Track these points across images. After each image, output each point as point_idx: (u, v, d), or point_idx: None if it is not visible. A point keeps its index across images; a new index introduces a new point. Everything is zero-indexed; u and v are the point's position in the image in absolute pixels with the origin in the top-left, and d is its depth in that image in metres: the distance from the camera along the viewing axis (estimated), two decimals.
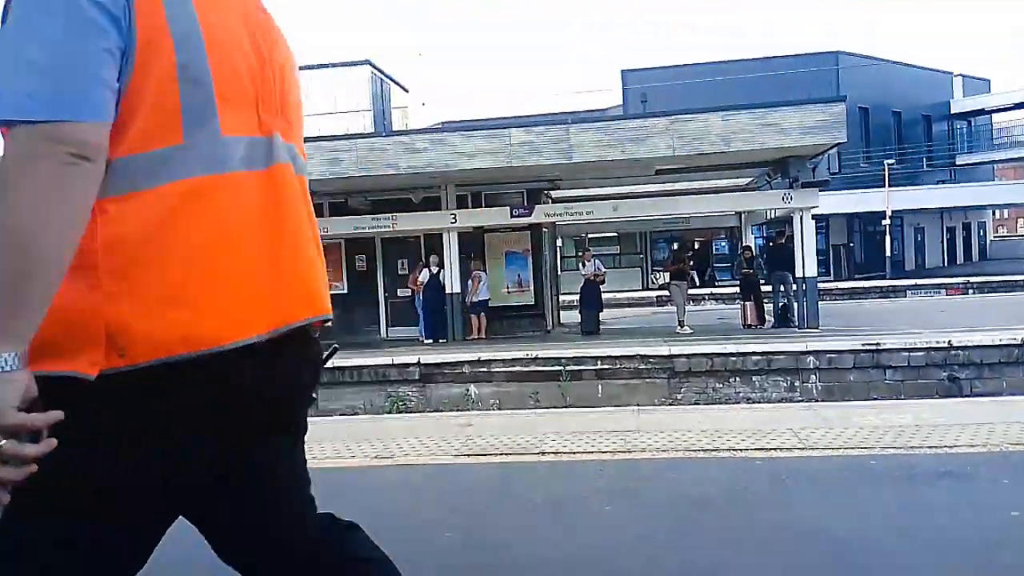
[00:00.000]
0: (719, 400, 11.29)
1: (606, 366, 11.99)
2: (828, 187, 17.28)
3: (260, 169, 1.27)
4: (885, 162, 29.73)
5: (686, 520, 4.13)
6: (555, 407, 10.55)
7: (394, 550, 3.84)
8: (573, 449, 5.80)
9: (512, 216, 14.90)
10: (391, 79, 24.60)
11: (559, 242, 23.09)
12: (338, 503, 4.70)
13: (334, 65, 23.24)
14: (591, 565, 3.54)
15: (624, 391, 11.69)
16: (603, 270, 16.03)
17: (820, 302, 14.44)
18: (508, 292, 16.27)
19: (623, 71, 32.55)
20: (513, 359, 12.32)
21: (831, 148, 13.83)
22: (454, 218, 14.86)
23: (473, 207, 15.83)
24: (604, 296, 16.38)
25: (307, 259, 1.40)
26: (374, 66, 23.43)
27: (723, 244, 31.38)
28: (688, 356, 11.76)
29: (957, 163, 38.09)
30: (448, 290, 14.92)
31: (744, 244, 17.53)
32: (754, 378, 11.65)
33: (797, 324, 14.04)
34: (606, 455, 5.60)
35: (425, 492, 4.95)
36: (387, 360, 12.64)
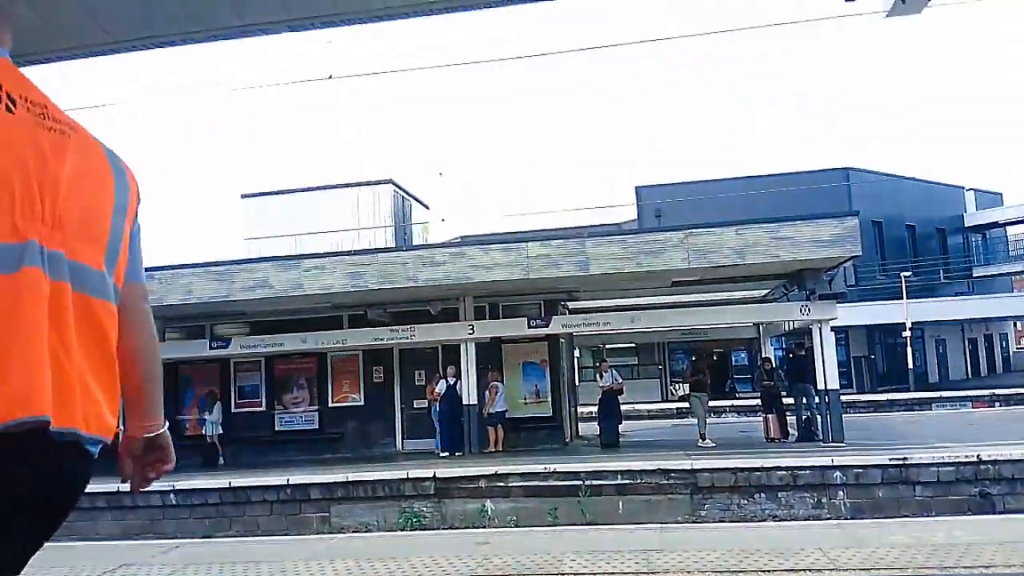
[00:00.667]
0: (744, 517, 10.90)
1: (627, 480, 11.67)
2: (846, 299, 17.30)
3: (4, 272, 1.29)
4: (902, 274, 29.81)
5: None
6: (574, 524, 10.23)
7: None
8: (594, 569, 5.58)
9: (529, 327, 14.95)
10: (412, 196, 25.34)
11: (576, 352, 23.02)
12: None
13: (358, 184, 24.06)
14: None
15: (645, 507, 11.33)
16: (620, 381, 15.90)
17: (844, 415, 14.14)
18: (525, 403, 16.10)
19: (638, 187, 33.35)
20: (531, 472, 12.04)
21: (846, 261, 13.91)
22: (472, 329, 14.92)
23: (491, 318, 15.91)
24: (623, 407, 16.17)
25: (38, 365, 1.31)
26: (396, 185, 24.21)
27: (742, 355, 31.15)
28: (712, 471, 11.46)
29: (974, 275, 38.09)
30: (465, 401, 14.80)
31: (764, 355, 17.38)
32: (780, 494, 11.28)
33: (821, 437, 13.72)
34: (629, 575, 5.39)
35: None
36: (402, 474, 12.40)
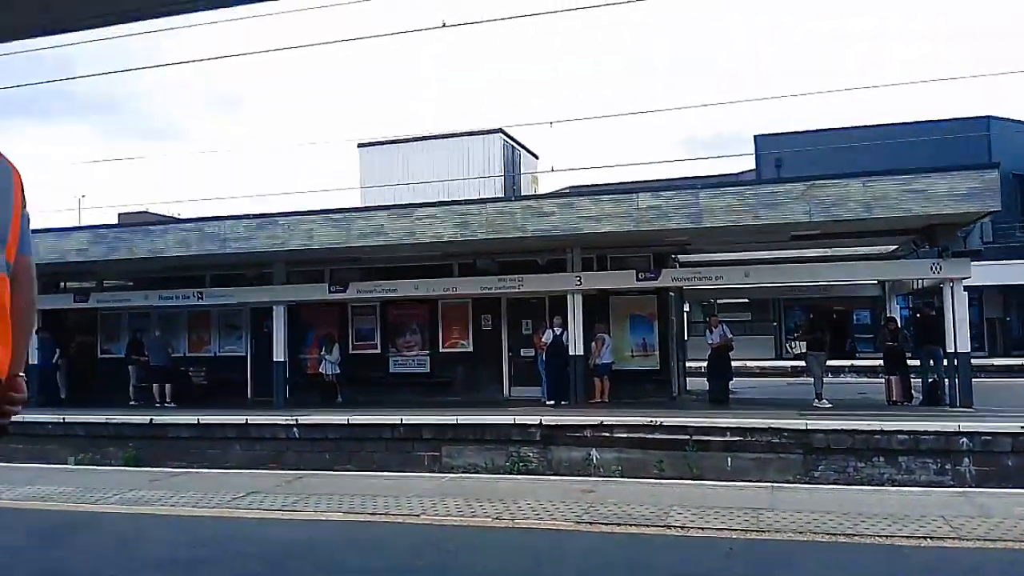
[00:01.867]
0: (860, 481, 10.53)
1: (736, 437, 11.47)
2: (981, 257, 16.12)
3: None
4: None
5: None
6: (681, 478, 10.19)
7: None
8: (701, 524, 5.56)
9: (638, 280, 14.75)
10: (522, 146, 25.30)
11: (686, 307, 22.62)
12: (456, 562, 4.75)
13: (469, 134, 24.22)
14: None
15: (754, 466, 11.13)
16: (731, 337, 15.52)
17: (973, 379, 13.32)
18: (632, 356, 16.01)
19: (756, 136, 31.96)
20: (637, 424, 12.03)
21: (984, 217, 12.87)
22: (579, 280, 14.88)
23: (599, 270, 15.81)
24: (733, 364, 15.82)
25: None
26: (506, 134, 24.21)
27: (864, 314, 29.72)
28: (827, 432, 11.08)
29: None
30: (571, 351, 14.87)
31: (888, 315, 16.51)
32: (900, 459, 10.80)
33: (948, 402, 12.99)
34: (736, 533, 5.34)
35: (544, 558, 4.87)
36: (509, 420, 12.65)
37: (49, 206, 79.44)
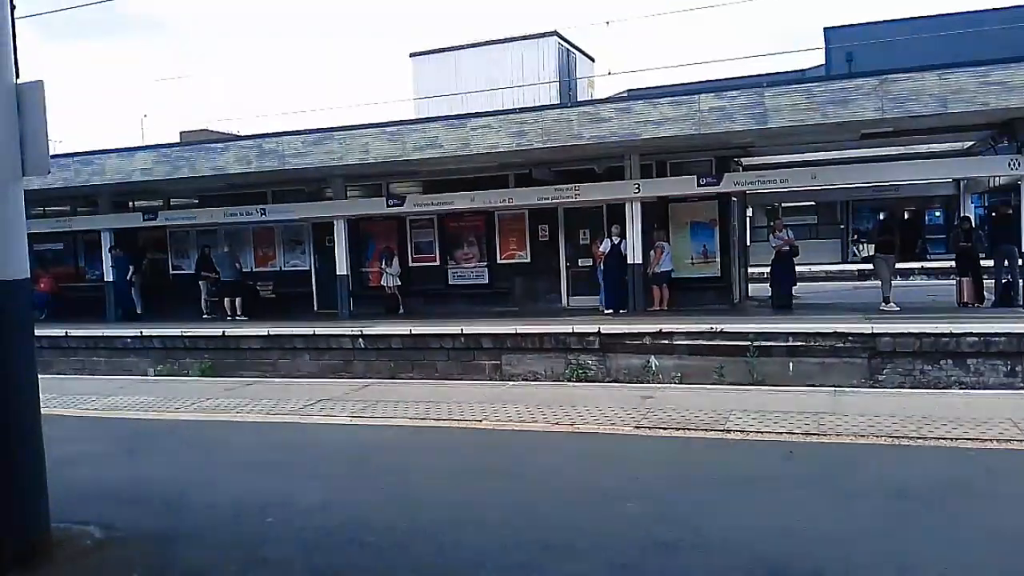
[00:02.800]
0: (927, 384, 10.34)
1: (799, 343, 11.33)
2: None
3: None
4: None
5: (886, 512, 3.85)
6: (742, 384, 10.18)
7: (577, 516, 3.90)
8: (761, 429, 5.57)
9: (699, 185, 14.38)
10: (577, 49, 24.51)
11: (749, 211, 22.06)
12: (522, 465, 4.84)
13: (522, 38, 23.52)
14: (781, 548, 3.40)
15: (818, 370, 11.02)
16: (795, 240, 15.14)
17: None
18: (693, 263, 15.79)
19: (826, 29, 30.21)
20: (697, 332, 11.98)
21: None
22: (638, 188, 14.60)
23: (658, 176, 15.46)
24: (798, 269, 15.48)
25: None
26: (561, 37, 23.45)
27: (936, 214, 28.54)
28: (893, 335, 10.84)
29: None
30: (630, 260, 14.76)
31: (962, 214, 15.82)
32: (969, 361, 10.54)
33: (1021, 303, 12.52)
34: (797, 437, 5.34)
35: (605, 461, 4.97)
36: (567, 329, 12.75)
37: (113, 126, 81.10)
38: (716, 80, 23.07)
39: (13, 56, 3.40)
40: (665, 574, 3.19)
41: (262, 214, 17.30)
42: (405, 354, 13.49)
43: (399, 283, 17.06)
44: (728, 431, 5.54)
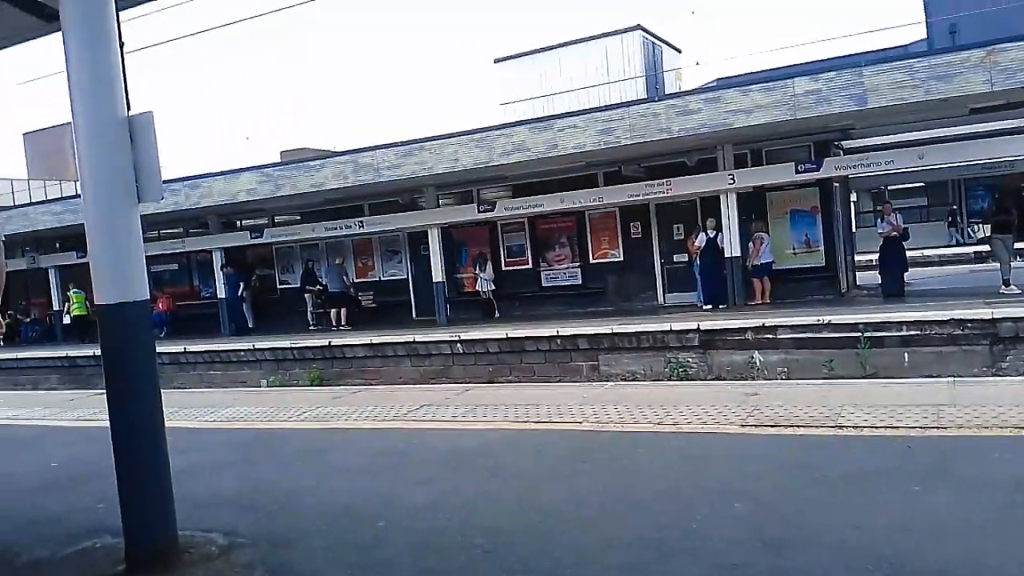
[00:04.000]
0: None
1: (913, 332, 10.77)
2: None
3: None
4: None
5: (1014, 507, 3.61)
6: (853, 377, 9.77)
7: (681, 516, 3.84)
8: (875, 423, 5.33)
9: (797, 172, 13.90)
10: (663, 41, 24.14)
11: (853, 196, 21.15)
12: (623, 465, 4.80)
13: (605, 35, 23.36)
14: (901, 547, 3.24)
15: (934, 360, 10.44)
16: (904, 225, 14.42)
17: None
18: (795, 253, 15.28)
19: (927, 1, 28.67)
20: (803, 324, 11.57)
21: None
22: (732, 178, 14.25)
23: (753, 165, 15.04)
24: (908, 254, 14.73)
25: None
26: (645, 30, 23.16)
27: None
28: (1016, 320, 10.17)
29: None
30: (727, 254, 14.41)
31: None
32: None
33: None
34: (914, 431, 5.07)
35: (710, 461, 4.86)
36: (665, 327, 12.56)
37: (217, 149, 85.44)
38: (809, 63, 22.22)
39: (124, 90, 3.62)
40: (777, 574, 3.09)
41: (360, 226, 17.85)
42: (502, 358, 13.61)
43: (493, 287, 17.24)
44: (840, 427, 5.32)
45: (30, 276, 23.00)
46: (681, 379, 11.66)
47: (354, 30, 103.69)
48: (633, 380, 12.04)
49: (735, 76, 25.11)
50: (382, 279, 19.54)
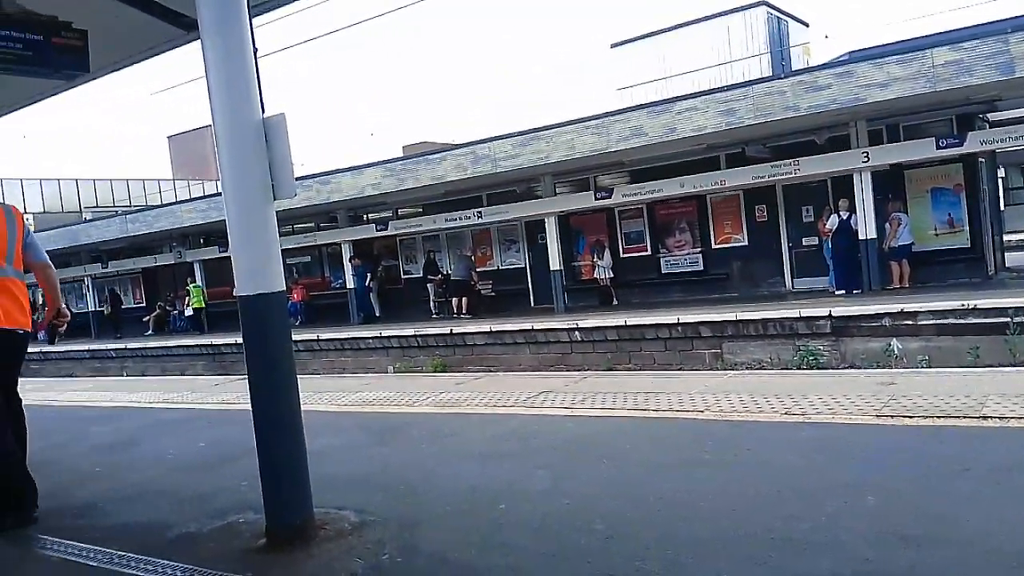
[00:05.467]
0: None
1: None
2: None
3: None
4: None
5: None
6: (1000, 365, 9.08)
7: (809, 509, 3.71)
8: None
9: (938, 148, 13.00)
10: (788, 15, 23.11)
11: (1001, 172, 19.58)
12: (747, 456, 4.69)
13: (728, 12, 22.61)
14: None
15: None
16: None
17: None
18: (936, 234, 14.33)
19: None
20: (945, 310, 10.85)
21: None
22: (866, 156, 13.49)
23: (888, 142, 14.19)
24: None
25: None
26: (770, 5, 22.25)
27: None
28: None
29: None
30: (862, 236, 13.68)
31: None
32: None
33: None
34: None
35: (841, 453, 4.66)
36: (794, 313, 12.08)
37: (344, 145, 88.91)
38: (949, 31, 20.70)
39: (258, 93, 3.85)
40: (915, 570, 2.94)
41: (479, 216, 18.16)
42: (621, 345, 13.53)
43: (611, 275, 17.14)
44: (985, 417, 4.96)
45: (177, 270, 24.82)
46: (811, 368, 11.20)
47: (471, 20, 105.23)
48: (759, 369, 11.67)
49: (868, 48, 23.74)
50: (500, 268, 19.82)
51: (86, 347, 23.18)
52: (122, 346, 22.17)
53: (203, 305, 22.94)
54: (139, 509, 4.81)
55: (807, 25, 24.06)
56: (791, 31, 23.02)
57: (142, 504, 4.92)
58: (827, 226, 14.18)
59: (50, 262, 4.73)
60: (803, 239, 15.65)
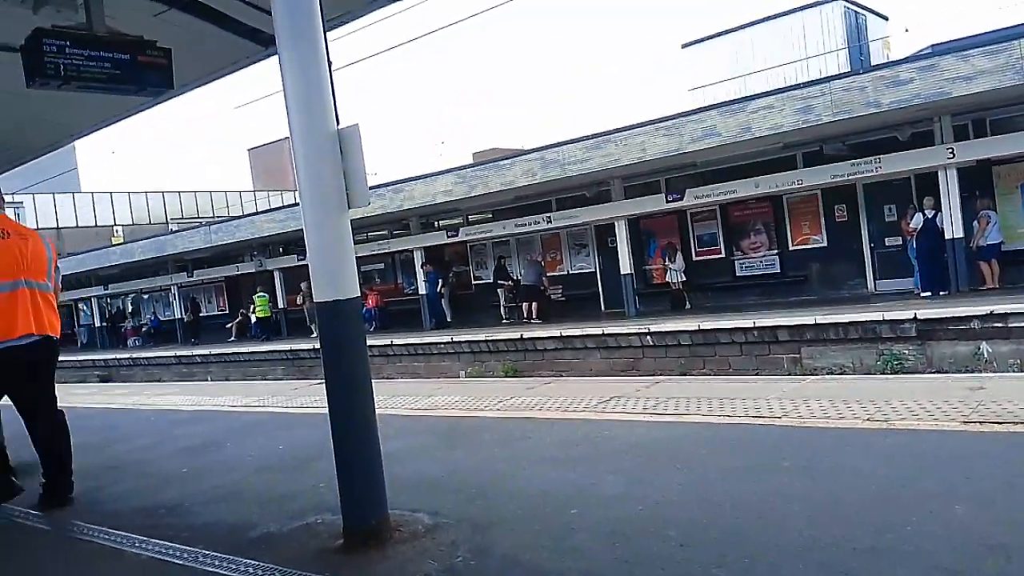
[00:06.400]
0: None
1: None
2: None
3: (13, 290, 4.90)
4: None
5: None
6: None
7: (892, 518, 3.59)
8: None
9: None
10: (867, 9, 22.38)
11: None
12: (827, 463, 4.56)
13: (803, 8, 22.05)
14: None
15: None
16: None
17: None
18: None
19: None
20: None
21: None
22: (952, 152, 12.94)
23: (975, 137, 13.57)
24: None
25: (27, 316, 4.94)
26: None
27: None
28: None
29: None
30: (948, 235, 13.12)
31: None
32: None
33: None
34: None
35: (926, 460, 4.47)
36: (876, 316, 11.67)
37: (414, 152, 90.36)
38: None
39: (333, 105, 3.95)
40: None
41: (548, 222, 18.19)
42: (695, 350, 13.32)
43: (684, 278, 16.90)
44: None
45: (258, 278, 25.66)
46: (895, 372, 10.79)
47: (539, 24, 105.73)
48: (840, 374, 11.31)
49: (951, 41, 22.80)
50: (570, 272, 19.79)
51: (173, 353, 24.19)
52: (207, 352, 23.05)
53: (268, 314, 23.70)
54: (223, 509, 4.99)
55: (886, 19, 23.24)
56: (870, 25, 22.28)
57: (225, 505, 5.10)
58: (911, 225, 13.65)
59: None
60: (886, 239, 15.10)
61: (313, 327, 22.37)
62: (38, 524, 5.05)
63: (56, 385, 5.39)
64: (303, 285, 21.38)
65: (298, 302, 23.29)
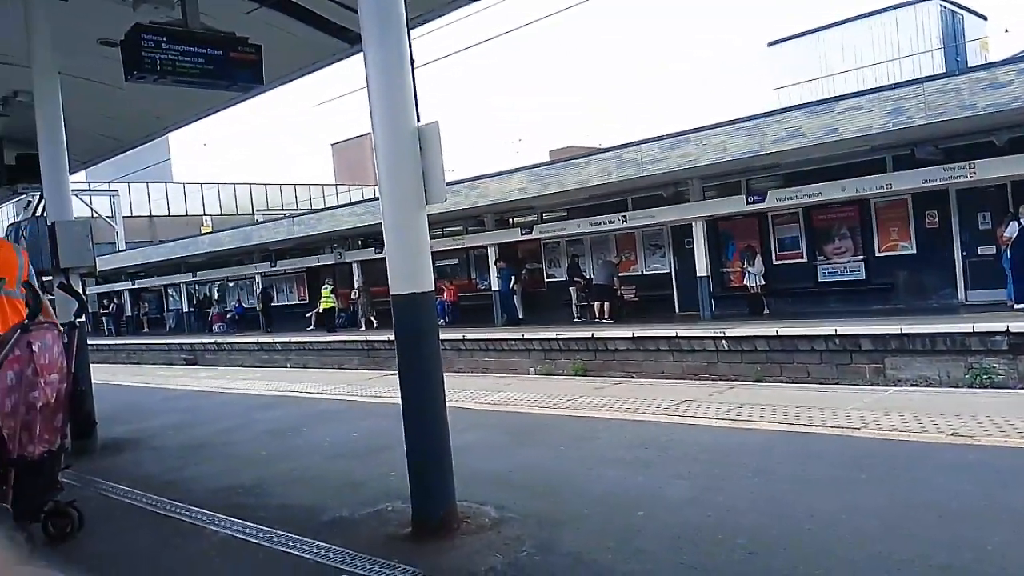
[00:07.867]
0: None
1: None
2: None
3: None
4: None
5: None
6: None
7: (975, 536, 3.45)
8: None
9: None
10: (964, 8, 21.38)
11: None
12: (905, 477, 4.41)
13: (896, 7, 21.23)
14: None
15: None
16: None
17: None
18: None
19: None
20: None
21: None
22: None
23: None
24: None
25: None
26: None
27: None
28: None
29: None
30: None
31: None
32: None
33: None
34: None
35: (1012, 478, 4.27)
36: (966, 327, 11.15)
37: (491, 150, 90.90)
38: None
39: (414, 102, 4.04)
40: None
41: (623, 221, 18.04)
42: (772, 356, 13.00)
43: (763, 282, 16.51)
44: None
45: (337, 269, 26.31)
46: (984, 386, 10.30)
47: (621, 21, 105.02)
48: (926, 386, 10.86)
49: None
50: (644, 273, 19.57)
51: (255, 339, 25.04)
52: (286, 339, 23.78)
53: (333, 306, 24.35)
54: (298, 492, 5.16)
55: (985, 19, 22.14)
56: (967, 25, 21.27)
57: (300, 488, 5.28)
58: (1006, 234, 12.98)
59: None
60: (979, 248, 14.38)
61: (363, 321, 23.08)
62: (126, 500, 5.33)
63: (145, 365, 5.39)
64: (356, 282, 22.05)
65: (352, 297, 23.99)
